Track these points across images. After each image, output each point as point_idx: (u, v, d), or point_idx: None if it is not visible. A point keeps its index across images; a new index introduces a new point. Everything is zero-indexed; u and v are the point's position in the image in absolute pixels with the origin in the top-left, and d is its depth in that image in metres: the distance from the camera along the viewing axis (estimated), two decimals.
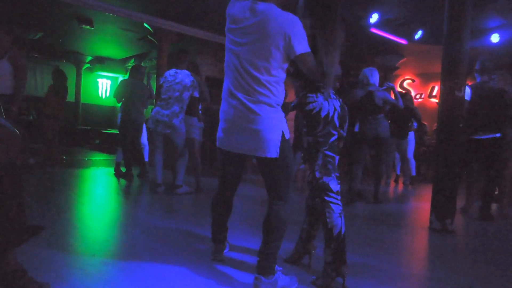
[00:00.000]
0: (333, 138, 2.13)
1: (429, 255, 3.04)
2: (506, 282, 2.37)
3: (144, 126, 5.70)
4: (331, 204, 2.06)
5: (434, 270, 2.53)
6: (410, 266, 2.66)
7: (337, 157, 2.16)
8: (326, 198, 2.07)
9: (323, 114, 2.09)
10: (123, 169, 5.44)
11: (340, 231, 2.04)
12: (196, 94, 4.52)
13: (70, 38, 9.98)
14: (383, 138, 4.68)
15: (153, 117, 4.45)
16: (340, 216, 2.06)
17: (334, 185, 2.09)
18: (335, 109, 2.13)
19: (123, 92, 5.33)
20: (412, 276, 2.44)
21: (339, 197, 2.10)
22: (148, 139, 5.99)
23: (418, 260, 2.89)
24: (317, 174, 2.10)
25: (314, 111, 2.09)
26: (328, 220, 2.04)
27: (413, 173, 6.99)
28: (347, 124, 2.29)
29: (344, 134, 2.25)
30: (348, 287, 2.03)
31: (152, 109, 4.63)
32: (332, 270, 2.02)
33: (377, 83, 4.78)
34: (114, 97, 5.48)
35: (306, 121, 2.15)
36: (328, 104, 2.11)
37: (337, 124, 2.15)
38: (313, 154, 2.13)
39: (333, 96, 2.16)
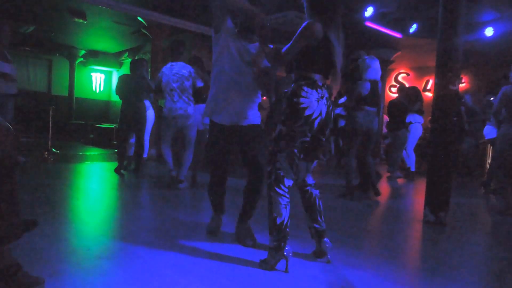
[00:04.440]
0: (304, 139, 2.18)
1: (422, 248, 3.07)
2: (497, 274, 2.40)
3: (151, 123, 5.74)
4: (278, 198, 2.15)
5: (426, 262, 2.56)
6: (403, 258, 2.68)
7: (303, 163, 2.28)
8: (277, 189, 2.16)
9: (307, 112, 2.11)
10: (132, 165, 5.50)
11: (283, 221, 2.14)
12: (200, 84, 4.49)
13: (63, 31, 9.87)
14: (376, 130, 4.60)
15: (169, 116, 4.46)
16: (286, 208, 2.16)
17: (288, 182, 2.19)
18: (320, 114, 2.16)
19: (124, 87, 5.36)
20: (404, 267, 2.46)
21: (287, 190, 2.18)
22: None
23: (411, 253, 2.92)
24: (278, 165, 2.16)
25: (300, 105, 2.11)
26: (274, 209, 2.14)
27: (413, 168, 6.98)
28: (328, 130, 2.30)
29: (323, 140, 2.29)
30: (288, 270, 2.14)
31: (163, 110, 4.66)
32: (276, 253, 2.13)
33: (379, 75, 4.60)
34: (116, 94, 5.54)
35: (288, 110, 2.15)
36: (317, 105, 2.13)
37: (314, 128, 2.19)
38: (282, 145, 2.16)
39: (324, 100, 2.18)
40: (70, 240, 2.49)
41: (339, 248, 2.59)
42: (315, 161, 2.39)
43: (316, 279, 2.07)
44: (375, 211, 4.09)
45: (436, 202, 3.55)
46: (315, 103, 2.12)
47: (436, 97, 3.63)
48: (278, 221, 2.13)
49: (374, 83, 4.50)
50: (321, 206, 2.35)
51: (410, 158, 6.96)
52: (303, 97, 2.11)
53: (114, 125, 10.21)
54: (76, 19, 7.97)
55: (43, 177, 4.91)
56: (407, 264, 2.58)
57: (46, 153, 7.00)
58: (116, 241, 2.56)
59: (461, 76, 3.99)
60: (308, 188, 2.35)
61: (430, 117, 3.94)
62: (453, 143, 3.63)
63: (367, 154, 4.66)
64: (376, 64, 4.56)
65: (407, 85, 10.97)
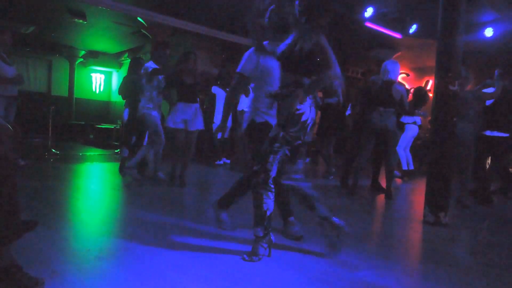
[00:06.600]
0: (298, 142, 2.32)
1: (421, 248, 3.07)
2: (497, 273, 2.40)
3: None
4: (269, 193, 2.30)
5: (426, 263, 2.56)
6: (402, 259, 2.68)
7: (300, 161, 2.43)
8: (266, 186, 2.29)
9: (303, 118, 2.26)
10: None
11: (272, 213, 2.33)
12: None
13: (63, 32, 9.87)
14: (392, 132, 4.61)
15: None
16: (272, 201, 2.34)
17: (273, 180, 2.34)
18: (312, 119, 2.33)
19: (127, 88, 5.38)
20: (404, 268, 2.46)
21: (273, 186, 2.33)
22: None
23: (410, 253, 2.92)
24: (269, 166, 2.29)
25: (298, 111, 2.24)
26: (266, 203, 2.29)
27: (411, 166, 6.96)
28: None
29: (308, 139, 2.44)
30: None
31: None
32: (264, 242, 2.31)
33: (396, 77, 4.67)
34: (119, 94, 5.54)
35: (288, 117, 2.27)
36: (310, 112, 2.29)
37: (307, 132, 2.34)
38: (276, 148, 2.28)
39: (313, 105, 2.34)
40: (70, 241, 2.49)
41: None
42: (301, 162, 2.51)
43: (315, 279, 2.07)
44: (375, 211, 4.09)
45: (435, 202, 3.55)
46: (308, 109, 2.28)
47: (436, 97, 3.63)
48: (268, 213, 2.30)
49: (387, 83, 4.55)
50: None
51: (407, 157, 6.94)
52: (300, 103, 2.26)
53: (114, 126, 10.20)
54: (76, 20, 7.95)
55: (43, 177, 4.91)
56: (407, 264, 2.58)
57: (46, 153, 7.01)
58: (116, 241, 2.56)
59: (471, 77, 4.32)
60: (285, 181, 2.46)
61: (430, 118, 3.95)
62: (453, 143, 3.63)
63: (391, 154, 4.73)
64: (391, 67, 4.69)
65: (407, 86, 10.96)
